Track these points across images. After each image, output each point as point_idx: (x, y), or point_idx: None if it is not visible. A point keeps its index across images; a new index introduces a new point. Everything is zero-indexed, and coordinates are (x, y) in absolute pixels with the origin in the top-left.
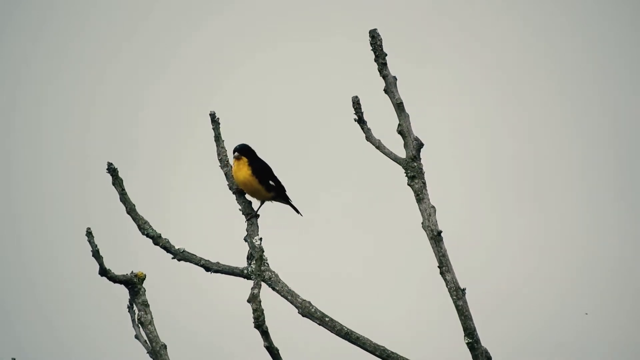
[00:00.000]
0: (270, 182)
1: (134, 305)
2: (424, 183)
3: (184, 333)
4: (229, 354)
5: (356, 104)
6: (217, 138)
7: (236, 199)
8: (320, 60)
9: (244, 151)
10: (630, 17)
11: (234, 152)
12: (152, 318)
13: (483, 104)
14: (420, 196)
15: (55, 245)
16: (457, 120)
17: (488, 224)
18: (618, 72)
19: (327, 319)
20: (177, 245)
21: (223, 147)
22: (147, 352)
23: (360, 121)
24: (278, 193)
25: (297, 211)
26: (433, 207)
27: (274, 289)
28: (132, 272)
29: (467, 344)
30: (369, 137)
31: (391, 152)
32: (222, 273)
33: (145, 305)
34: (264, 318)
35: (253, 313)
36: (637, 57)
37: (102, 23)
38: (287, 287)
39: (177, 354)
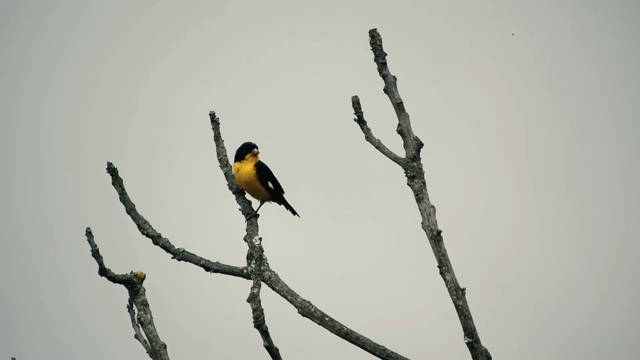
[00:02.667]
0: (269, 184)
1: (134, 305)
2: (424, 183)
3: (183, 333)
4: (229, 354)
5: (356, 103)
6: (217, 138)
7: (236, 199)
8: (320, 60)
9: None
10: (630, 17)
11: (254, 148)
12: (151, 318)
13: (483, 104)
14: (420, 196)
15: (55, 245)
16: (457, 120)
17: (488, 223)
18: (619, 71)
19: (326, 319)
20: (177, 245)
21: (223, 147)
22: (147, 352)
23: (360, 121)
24: (276, 194)
25: (295, 212)
26: (433, 206)
27: (273, 288)
28: (131, 271)
29: (467, 343)
30: (369, 137)
31: (391, 152)
32: (221, 273)
33: (145, 305)
34: (263, 318)
35: (253, 313)
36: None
37: (102, 22)
38: (287, 286)
39: (176, 353)
